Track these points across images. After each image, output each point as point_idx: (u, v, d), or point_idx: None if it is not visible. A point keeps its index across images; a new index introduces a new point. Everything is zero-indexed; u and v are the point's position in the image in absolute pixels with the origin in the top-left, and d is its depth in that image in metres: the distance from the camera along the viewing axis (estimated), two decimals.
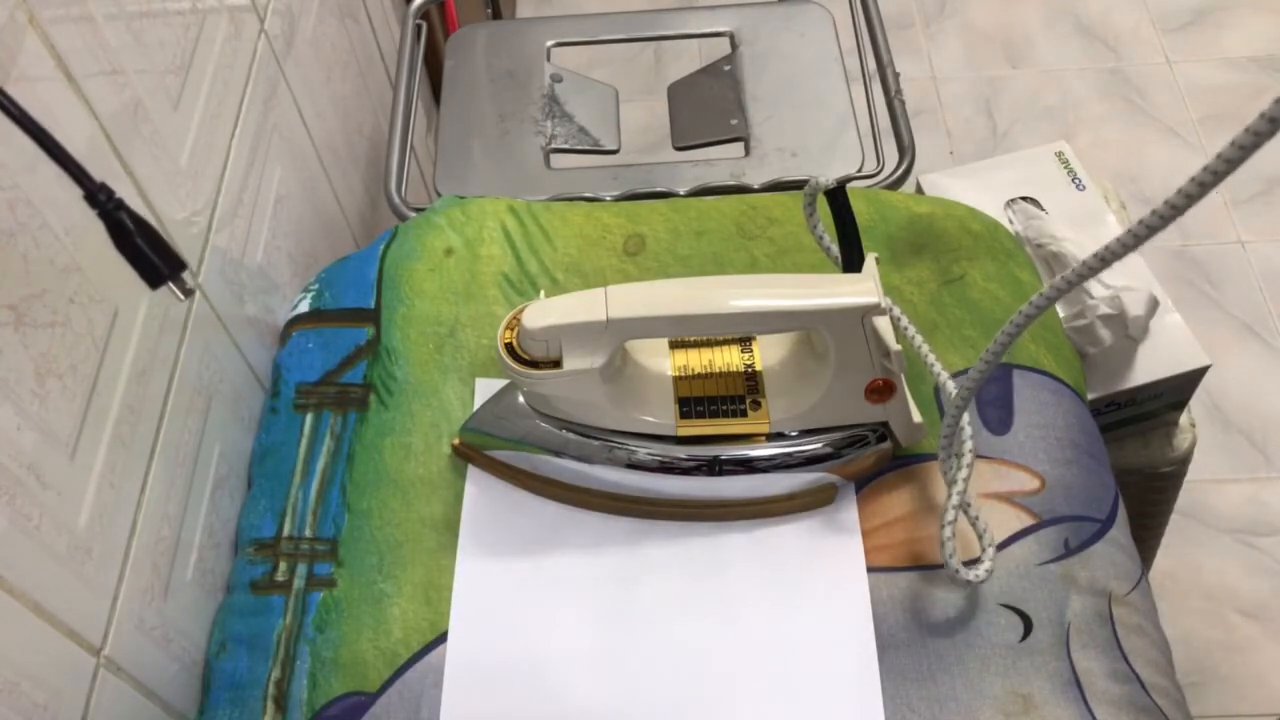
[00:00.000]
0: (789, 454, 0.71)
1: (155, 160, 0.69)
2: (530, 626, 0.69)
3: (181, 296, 0.55)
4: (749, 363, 0.73)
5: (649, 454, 0.70)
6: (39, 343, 0.56)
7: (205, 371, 0.74)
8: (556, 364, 0.67)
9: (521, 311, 0.67)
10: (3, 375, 0.53)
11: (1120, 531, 0.72)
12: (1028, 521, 0.71)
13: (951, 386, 0.70)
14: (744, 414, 0.71)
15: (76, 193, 0.53)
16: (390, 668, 0.68)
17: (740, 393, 0.72)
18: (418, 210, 0.93)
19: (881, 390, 0.69)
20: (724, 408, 0.71)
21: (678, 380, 0.72)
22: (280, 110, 0.90)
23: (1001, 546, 0.70)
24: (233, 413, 0.78)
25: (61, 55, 0.59)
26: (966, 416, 0.69)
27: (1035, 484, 0.72)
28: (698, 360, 0.73)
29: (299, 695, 0.67)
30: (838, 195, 0.69)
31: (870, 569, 0.69)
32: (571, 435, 0.71)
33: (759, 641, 0.68)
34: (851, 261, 0.70)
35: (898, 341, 0.66)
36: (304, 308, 0.84)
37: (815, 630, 0.68)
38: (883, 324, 0.66)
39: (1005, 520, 0.71)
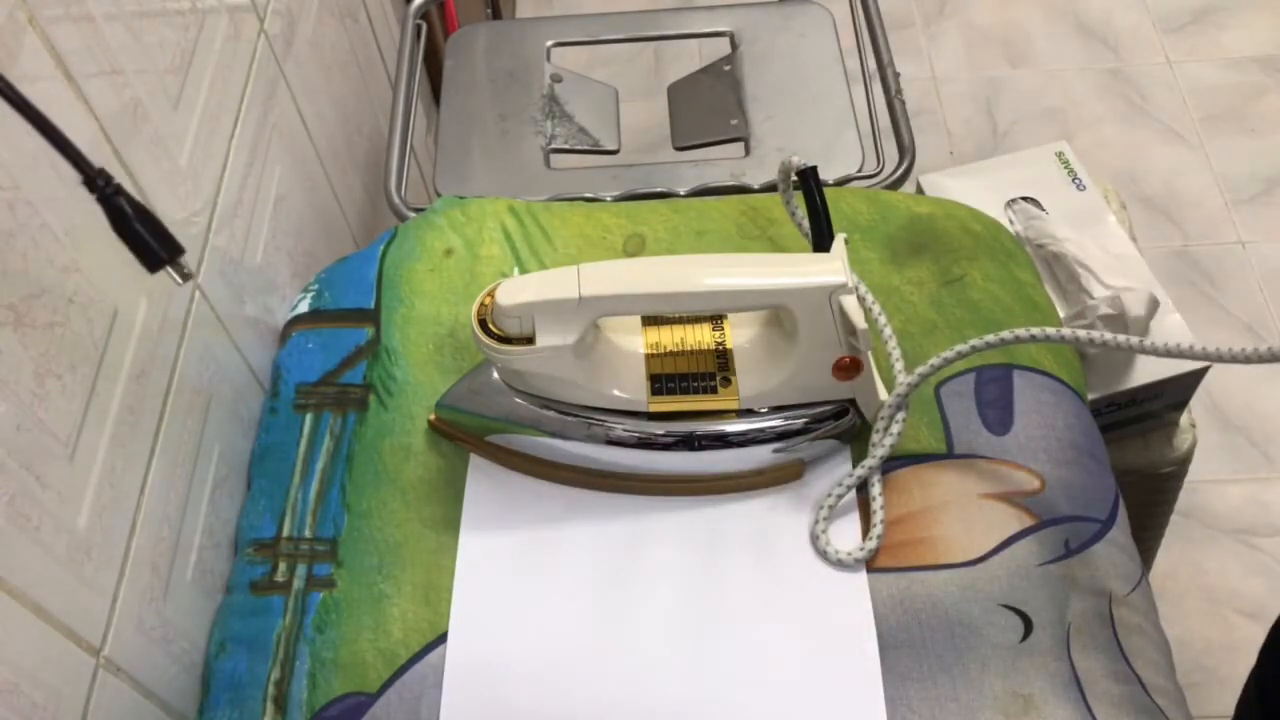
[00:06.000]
0: (760, 429, 0.72)
1: (155, 160, 0.69)
2: (530, 626, 0.69)
3: (180, 281, 0.55)
4: (720, 340, 0.74)
5: (625, 430, 0.72)
6: (39, 343, 0.56)
7: (205, 372, 0.74)
8: (530, 340, 0.68)
9: (495, 288, 0.68)
10: (3, 375, 0.53)
11: (1120, 532, 0.72)
12: (1028, 522, 0.71)
13: (902, 376, 0.72)
14: (714, 390, 0.72)
15: (76, 193, 0.53)
16: (390, 668, 0.68)
17: (711, 370, 0.73)
18: (418, 210, 0.93)
19: (848, 367, 0.70)
20: (695, 384, 0.72)
21: (649, 357, 0.73)
22: (280, 110, 0.90)
23: (1001, 547, 0.70)
24: (232, 413, 0.78)
25: (61, 55, 0.59)
26: (900, 415, 0.72)
27: (1035, 484, 0.72)
28: (669, 338, 0.74)
29: (299, 696, 0.67)
30: (808, 177, 0.71)
31: (870, 569, 0.69)
32: (545, 411, 0.72)
33: (760, 642, 0.68)
34: (821, 241, 0.71)
35: (865, 321, 0.67)
36: (304, 308, 0.84)
37: (816, 631, 0.68)
38: (850, 303, 0.67)
39: (1005, 520, 0.71)
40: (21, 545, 0.54)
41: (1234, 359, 0.58)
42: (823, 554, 0.70)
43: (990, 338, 0.69)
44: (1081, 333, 0.67)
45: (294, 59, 0.94)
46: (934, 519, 0.71)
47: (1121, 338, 0.64)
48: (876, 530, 0.70)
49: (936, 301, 0.81)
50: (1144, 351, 0.63)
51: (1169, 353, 0.62)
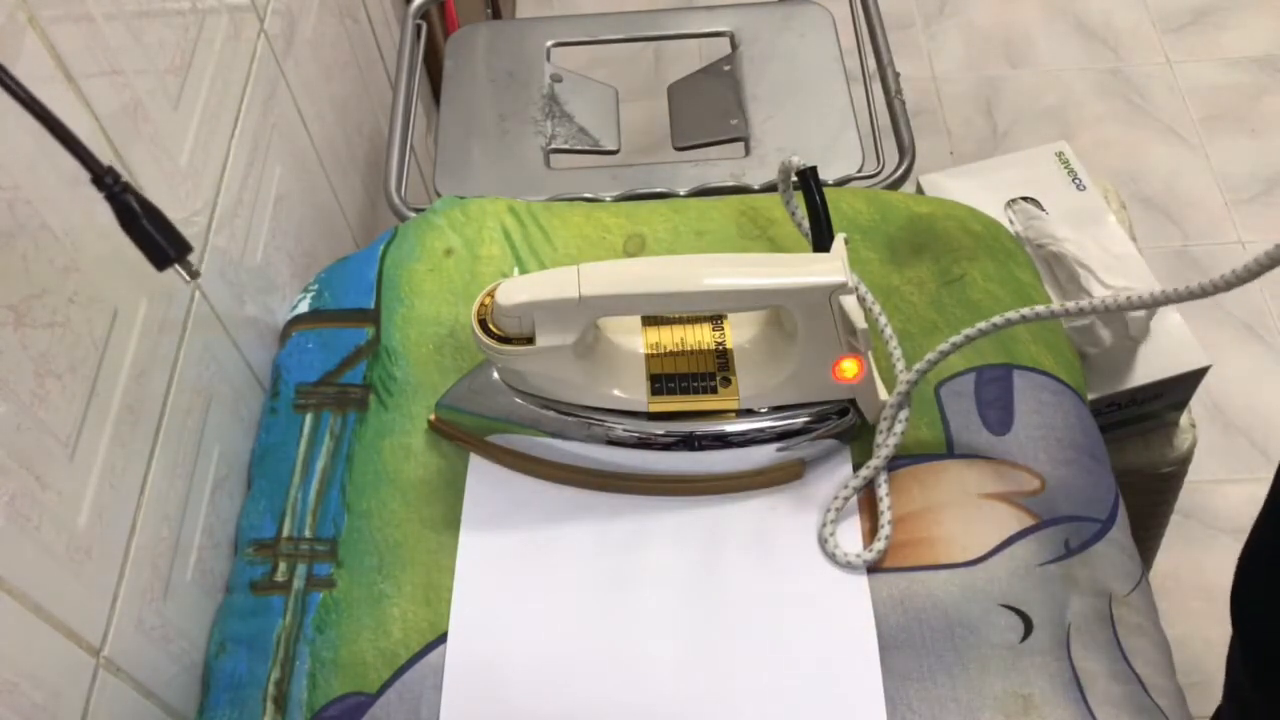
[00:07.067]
0: (761, 429, 0.72)
1: (155, 160, 0.69)
2: (530, 626, 0.69)
3: (188, 278, 0.56)
4: (719, 340, 0.74)
5: (625, 430, 0.72)
6: (39, 343, 0.56)
7: (205, 372, 0.74)
8: (530, 340, 0.68)
9: (495, 288, 0.68)
10: (3, 375, 0.53)
11: (1121, 532, 0.72)
12: (1028, 522, 0.71)
13: (903, 374, 0.72)
14: (714, 390, 0.72)
15: (76, 193, 0.53)
16: (390, 668, 0.68)
17: (711, 370, 0.73)
18: (418, 210, 0.93)
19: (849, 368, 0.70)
20: (695, 384, 0.72)
21: (649, 357, 0.73)
22: (280, 110, 0.90)
23: (1001, 547, 0.70)
24: (232, 413, 0.78)
25: (61, 55, 0.59)
26: (904, 414, 0.72)
27: (1035, 484, 0.72)
28: (669, 338, 0.74)
29: (298, 696, 0.67)
30: (808, 177, 0.71)
31: (871, 569, 0.69)
32: (545, 411, 0.72)
33: (760, 642, 0.67)
34: (821, 241, 0.71)
35: (865, 321, 0.68)
36: (304, 308, 0.84)
37: (816, 631, 0.68)
38: (850, 303, 0.67)
39: (1005, 520, 0.71)
40: (21, 545, 0.54)
41: (1223, 286, 0.58)
42: (831, 556, 0.70)
43: (983, 325, 0.68)
44: (1070, 304, 0.66)
45: (294, 59, 0.94)
46: (934, 519, 0.71)
47: (1110, 296, 0.65)
48: (885, 531, 0.69)
49: (936, 301, 0.81)
50: (1132, 307, 0.64)
51: (1158, 301, 0.62)
